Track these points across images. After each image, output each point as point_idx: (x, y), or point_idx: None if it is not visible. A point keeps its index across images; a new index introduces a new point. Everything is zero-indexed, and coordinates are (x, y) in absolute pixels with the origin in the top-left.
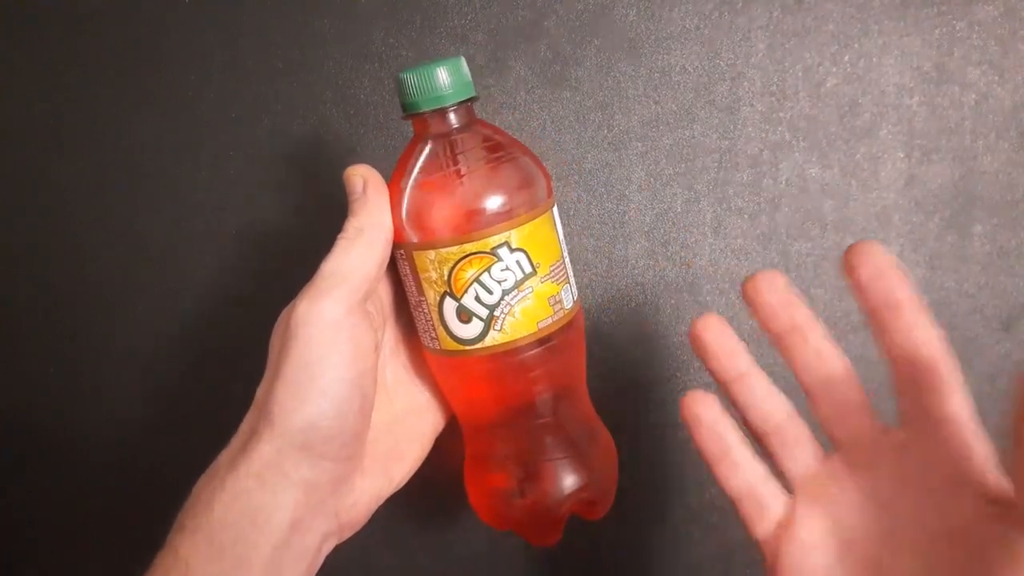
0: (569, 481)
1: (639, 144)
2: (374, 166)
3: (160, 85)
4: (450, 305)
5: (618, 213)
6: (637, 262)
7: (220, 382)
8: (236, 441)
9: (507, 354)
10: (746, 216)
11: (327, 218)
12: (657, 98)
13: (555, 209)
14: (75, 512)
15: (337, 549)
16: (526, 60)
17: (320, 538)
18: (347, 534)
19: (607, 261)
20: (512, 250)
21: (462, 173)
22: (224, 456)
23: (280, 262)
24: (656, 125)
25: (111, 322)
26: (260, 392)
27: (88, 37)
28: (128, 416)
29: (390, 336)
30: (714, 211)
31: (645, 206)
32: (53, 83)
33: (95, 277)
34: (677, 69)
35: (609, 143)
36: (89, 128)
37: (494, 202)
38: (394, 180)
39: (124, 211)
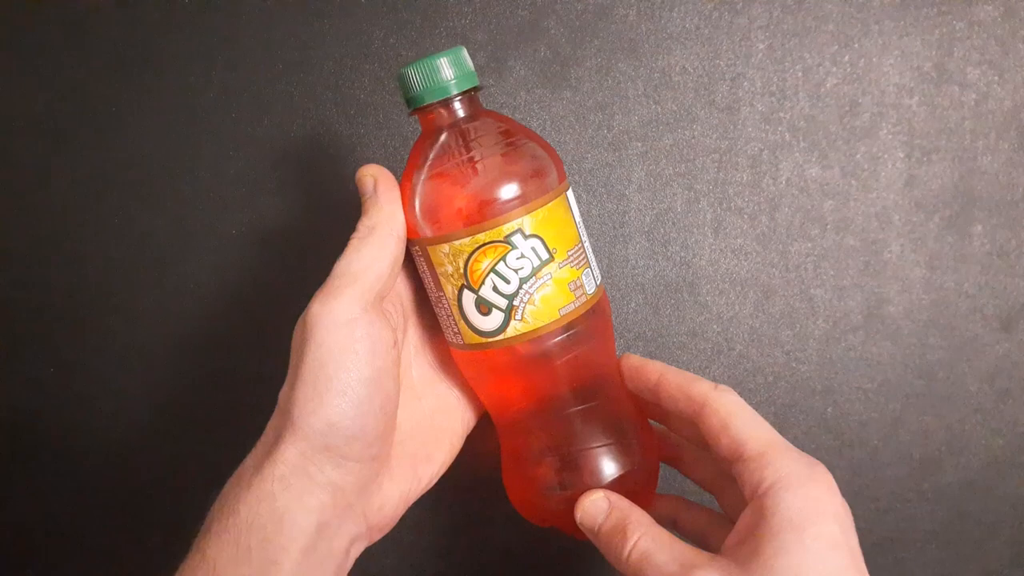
0: (611, 469)
1: (639, 144)
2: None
3: (160, 85)
4: (469, 298)
5: (618, 213)
6: (637, 262)
7: (220, 381)
8: (262, 445)
9: (531, 344)
10: (746, 216)
11: (328, 218)
12: (657, 98)
13: (570, 193)
14: (75, 512)
15: (368, 552)
16: (526, 60)
17: (348, 541)
18: (376, 537)
19: (607, 261)
20: (526, 237)
21: (470, 162)
22: (250, 459)
23: (281, 262)
24: (656, 125)
25: (111, 322)
26: (282, 395)
27: (88, 37)
28: (129, 416)
29: (415, 335)
30: (714, 211)
31: (645, 206)
32: (53, 83)
33: (95, 277)
34: (677, 69)
35: (609, 143)
36: (89, 128)
37: (504, 189)
38: (405, 177)
39: (124, 211)
